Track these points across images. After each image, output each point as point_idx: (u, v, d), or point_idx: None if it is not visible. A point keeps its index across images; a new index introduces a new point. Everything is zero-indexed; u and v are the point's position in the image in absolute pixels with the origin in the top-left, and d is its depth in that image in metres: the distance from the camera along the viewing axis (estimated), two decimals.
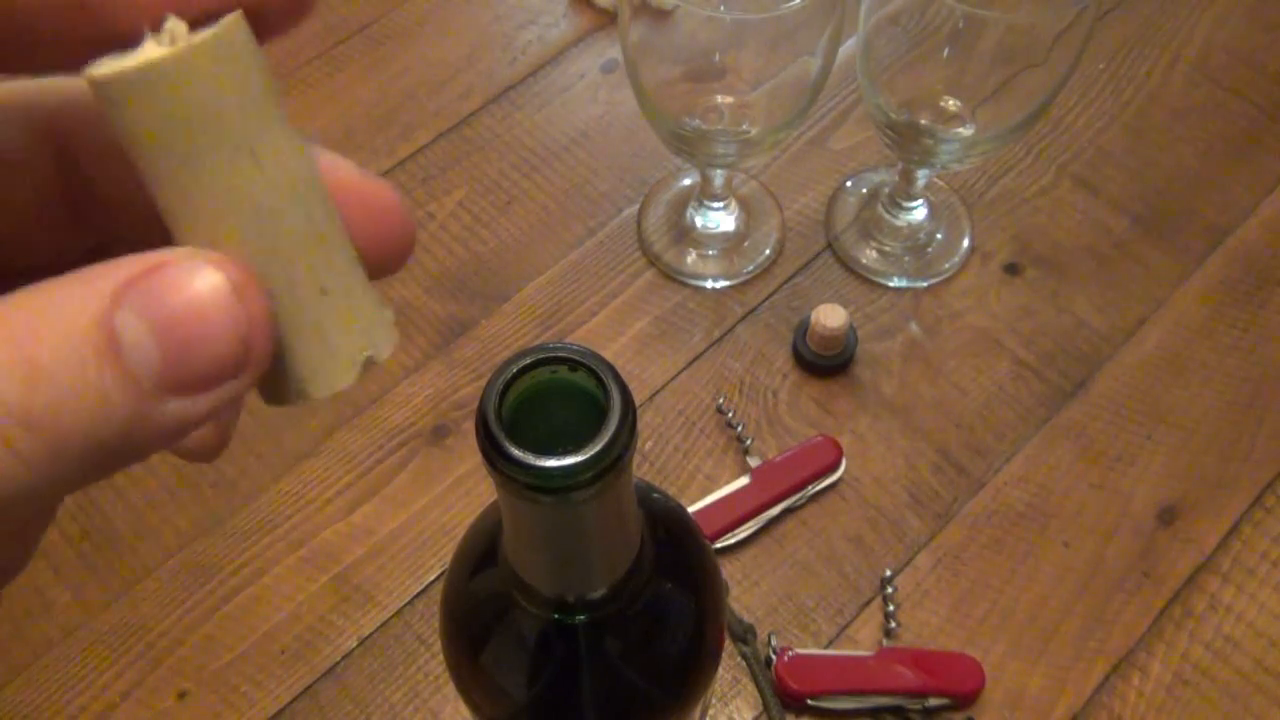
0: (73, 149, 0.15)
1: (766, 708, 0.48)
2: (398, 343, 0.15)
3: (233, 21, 0.13)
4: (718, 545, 0.51)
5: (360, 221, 0.15)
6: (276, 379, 0.15)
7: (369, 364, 0.15)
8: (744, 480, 0.52)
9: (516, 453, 0.20)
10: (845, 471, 0.53)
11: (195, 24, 0.13)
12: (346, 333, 0.15)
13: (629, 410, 0.20)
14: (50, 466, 0.12)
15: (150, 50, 0.13)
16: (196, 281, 0.13)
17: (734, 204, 0.62)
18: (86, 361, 0.12)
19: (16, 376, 0.12)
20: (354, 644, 0.50)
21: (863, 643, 0.50)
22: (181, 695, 0.48)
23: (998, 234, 0.62)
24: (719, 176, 0.59)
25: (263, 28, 0.14)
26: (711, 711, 0.48)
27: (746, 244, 0.61)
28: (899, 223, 0.61)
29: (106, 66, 0.13)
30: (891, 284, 0.60)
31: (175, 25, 0.13)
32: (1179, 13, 0.70)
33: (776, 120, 0.52)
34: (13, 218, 0.16)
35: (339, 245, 0.15)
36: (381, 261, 0.16)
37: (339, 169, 0.16)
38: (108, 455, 0.13)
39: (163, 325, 0.12)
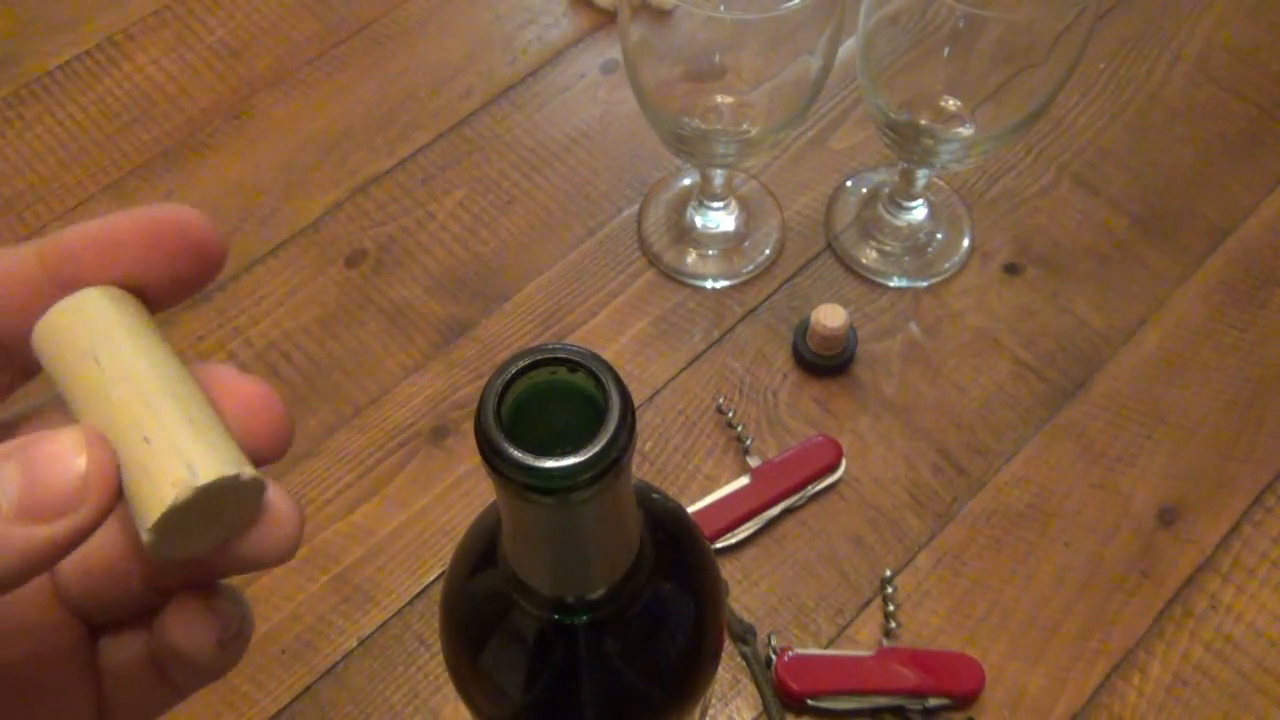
0: None
1: (766, 708, 0.48)
2: (227, 460, 0.19)
3: (85, 292, 0.20)
4: (718, 545, 0.51)
5: (238, 413, 0.20)
6: (136, 521, 0.18)
7: (197, 491, 0.18)
8: (744, 480, 0.52)
9: (516, 454, 0.20)
10: (845, 471, 0.54)
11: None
12: (166, 466, 0.18)
13: (628, 411, 0.20)
14: None
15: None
16: (60, 439, 0.17)
17: (734, 204, 0.62)
18: None
19: None
20: (354, 644, 0.50)
21: (863, 643, 0.50)
22: None
23: (998, 234, 0.62)
24: (719, 176, 0.59)
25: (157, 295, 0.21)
26: (711, 711, 0.48)
27: (746, 244, 0.61)
28: (899, 223, 0.61)
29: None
30: (891, 284, 0.60)
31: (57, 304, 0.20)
32: (1179, 13, 0.70)
33: (776, 120, 0.52)
34: None
35: (169, 405, 0.19)
36: (260, 444, 0.21)
37: (217, 372, 0.21)
38: None
39: (25, 468, 0.17)
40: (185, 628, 0.21)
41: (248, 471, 0.19)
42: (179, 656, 0.21)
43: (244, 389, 0.21)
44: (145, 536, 0.18)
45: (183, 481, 0.18)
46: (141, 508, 0.18)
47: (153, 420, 0.18)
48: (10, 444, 0.17)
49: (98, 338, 0.19)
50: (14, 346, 0.20)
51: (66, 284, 0.20)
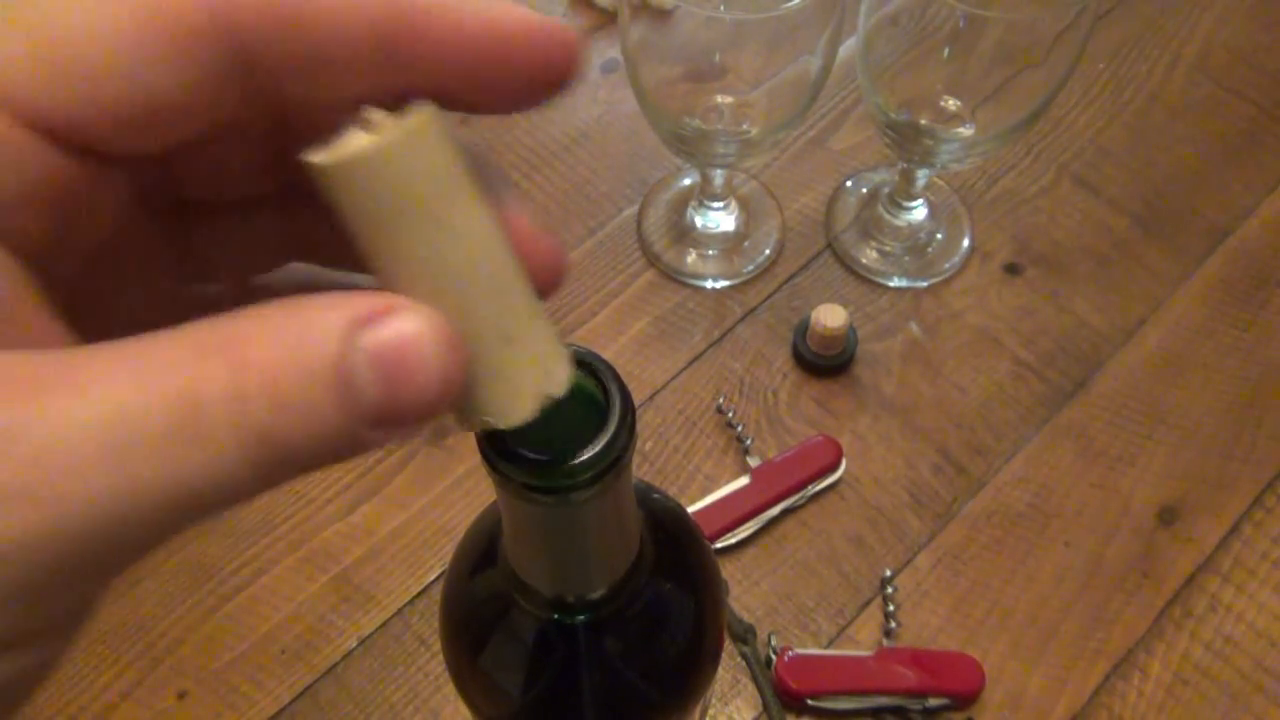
0: (263, 64, 0.16)
1: (766, 708, 0.48)
2: (573, 375, 0.18)
3: (424, 114, 0.15)
4: (718, 545, 0.51)
5: (532, 272, 0.17)
6: (464, 410, 0.17)
7: (546, 398, 0.17)
8: (744, 480, 0.52)
9: (516, 453, 0.20)
10: (845, 471, 0.53)
11: (394, 107, 0.15)
12: (526, 373, 0.17)
13: (628, 411, 0.20)
14: (269, 476, 0.14)
15: (355, 140, 0.15)
16: (417, 332, 0.15)
17: (734, 204, 0.62)
18: (321, 398, 0.14)
19: (264, 403, 0.14)
20: (354, 644, 0.50)
21: (863, 643, 0.50)
22: (181, 695, 0.48)
23: (998, 234, 0.62)
24: (719, 176, 0.59)
25: (471, 106, 0.17)
26: (711, 711, 0.48)
27: (746, 244, 0.61)
28: (899, 223, 0.61)
29: (320, 154, 0.15)
30: (891, 284, 0.60)
31: (373, 114, 0.15)
32: (1179, 12, 0.70)
33: (776, 120, 0.52)
34: (214, 152, 0.18)
35: (521, 296, 0.17)
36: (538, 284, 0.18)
37: (518, 219, 0.18)
38: (310, 468, 0.15)
39: (386, 369, 0.15)
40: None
41: (570, 370, 0.18)
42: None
43: (542, 246, 0.18)
44: (476, 429, 0.17)
45: (544, 395, 0.17)
46: (484, 404, 0.17)
47: (511, 315, 0.17)
48: (350, 311, 0.14)
49: (440, 190, 0.16)
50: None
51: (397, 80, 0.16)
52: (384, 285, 0.16)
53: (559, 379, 0.17)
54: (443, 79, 0.16)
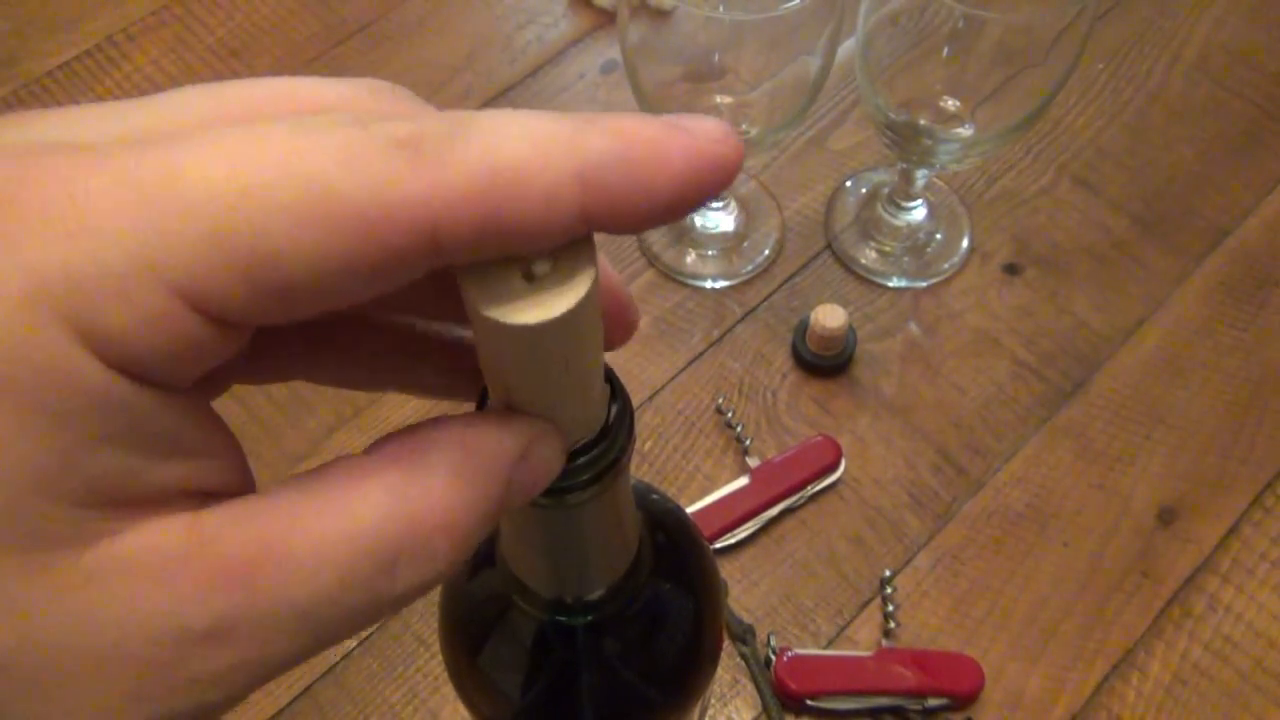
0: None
1: (766, 708, 0.48)
2: (601, 418, 0.20)
3: (590, 274, 0.16)
4: (717, 545, 0.51)
5: (609, 326, 0.19)
6: None
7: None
8: (743, 480, 0.52)
9: None
10: (844, 472, 0.53)
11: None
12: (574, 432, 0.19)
13: (626, 412, 0.20)
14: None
15: (523, 299, 0.15)
16: (550, 464, 0.18)
17: (733, 204, 0.62)
18: (482, 522, 0.17)
19: (454, 534, 0.16)
20: (353, 644, 0.50)
21: (862, 643, 0.50)
22: None
23: (997, 234, 0.62)
24: None
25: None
26: (711, 711, 0.48)
27: (746, 244, 0.61)
28: (898, 223, 0.61)
29: (491, 307, 0.15)
30: (891, 284, 0.60)
31: (539, 267, 0.16)
32: (1179, 13, 0.70)
33: (776, 120, 0.52)
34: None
35: (599, 380, 0.19)
36: (610, 345, 0.20)
37: (608, 279, 0.19)
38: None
39: (525, 494, 0.18)
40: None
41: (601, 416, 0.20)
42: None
43: (625, 310, 0.20)
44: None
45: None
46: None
47: (589, 404, 0.19)
48: (497, 468, 0.17)
49: (577, 342, 0.17)
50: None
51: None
52: (496, 389, 0.18)
53: (595, 425, 0.19)
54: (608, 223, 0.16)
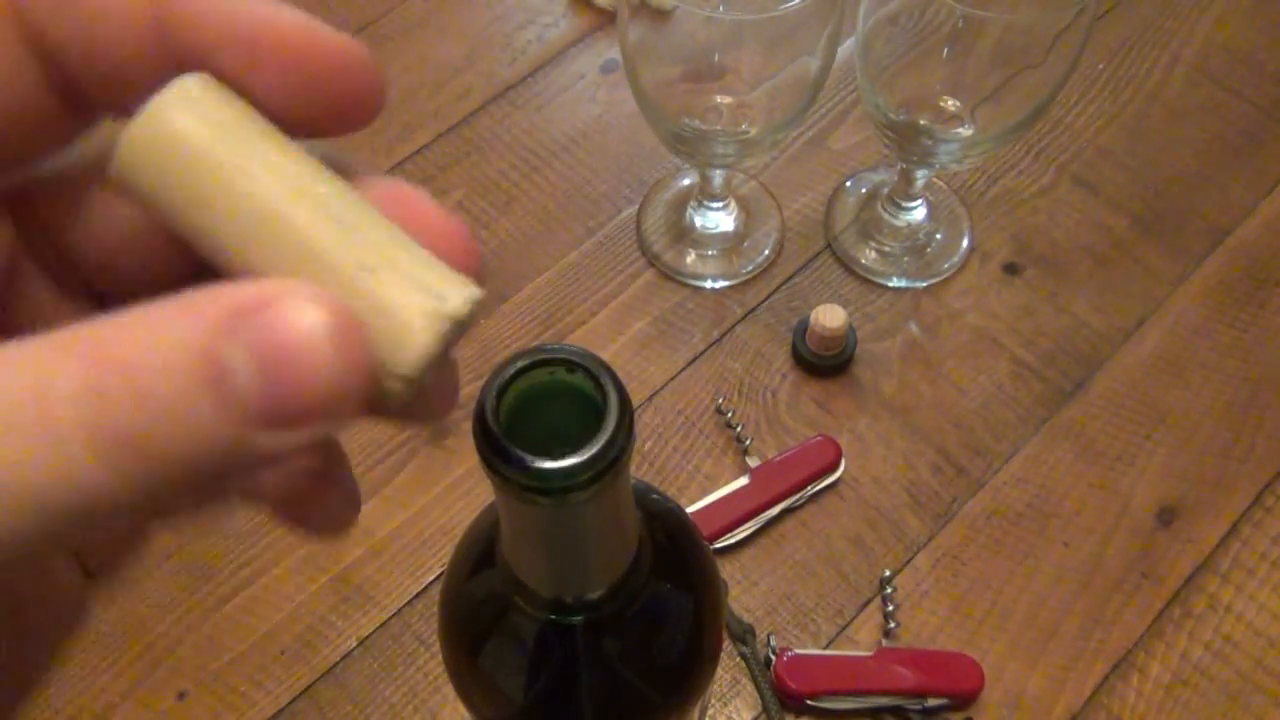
0: (47, 41, 0.16)
1: (766, 708, 0.48)
2: (475, 292, 0.15)
3: (184, 80, 0.15)
4: (717, 545, 0.51)
5: (429, 246, 0.16)
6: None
7: (451, 322, 0.15)
8: (743, 480, 0.52)
9: (514, 454, 0.20)
10: (844, 472, 0.54)
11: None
12: (406, 300, 0.15)
13: (626, 411, 0.20)
14: (145, 485, 0.13)
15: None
16: (301, 320, 0.13)
17: (733, 204, 0.62)
18: (190, 390, 0.13)
19: (125, 402, 0.12)
20: (353, 644, 0.50)
21: (862, 643, 0.50)
22: (181, 695, 0.49)
23: (997, 234, 0.62)
24: (718, 176, 0.59)
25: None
26: (711, 711, 0.48)
27: (746, 244, 0.61)
28: (898, 223, 0.61)
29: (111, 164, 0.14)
30: (891, 284, 0.60)
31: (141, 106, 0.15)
32: (1179, 13, 0.70)
33: (776, 120, 0.52)
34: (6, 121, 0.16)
35: (372, 225, 0.15)
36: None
37: (394, 190, 0.17)
38: (200, 480, 0.13)
39: (268, 361, 0.13)
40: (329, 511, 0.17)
41: (477, 294, 0.15)
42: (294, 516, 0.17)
43: (434, 220, 0.16)
44: (395, 393, 0.15)
45: (440, 318, 0.15)
46: (380, 355, 0.15)
47: (365, 246, 0.15)
48: (224, 303, 0.13)
49: (240, 141, 0.15)
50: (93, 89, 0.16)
51: (179, 65, 0.15)
52: (229, 268, 0.15)
53: (453, 298, 0.15)
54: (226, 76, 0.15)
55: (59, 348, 0.13)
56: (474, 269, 0.16)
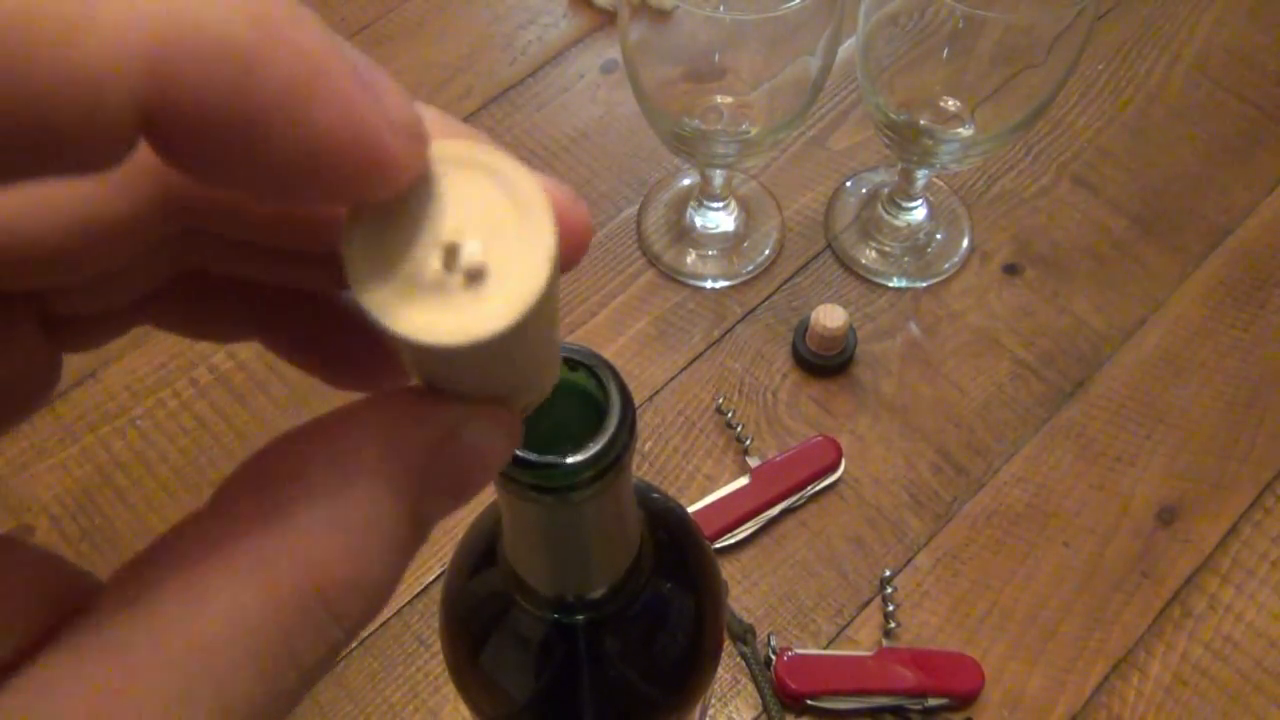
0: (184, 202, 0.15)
1: (766, 708, 0.48)
2: (558, 377, 0.17)
3: (548, 249, 0.12)
4: (717, 545, 0.51)
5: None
6: None
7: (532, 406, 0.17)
8: (743, 480, 0.52)
9: (515, 452, 0.20)
10: (845, 472, 0.54)
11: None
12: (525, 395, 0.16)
13: (628, 410, 0.20)
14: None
15: (443, 311, 0.11)
16: (487, 449, 0.15)
17: (734, 204, 0.62)
18: (398, 555, 0.15)
19: (359, 588, 0.14)
20: (354, 644, 0.50)
21: (862, 643, 0.50)
22: None
23: (997, 234, 0.62)
24: (719, 176, 0.59)
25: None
26: (711, 711, 0.48)
27: (746, 244, 0.61)
28: (899, 223, 0.61)
29: (400, 316, 0.11)
30: (891, 284, 0.60)
31: (468, 246, 0.11)
32: (1179, 13, 0.70)
33: (776, 120, 0.52)
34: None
35: (554, 348, 0.17)
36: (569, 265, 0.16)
37: (552, 192, 0.15)
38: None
39: (460, 492, 0.15)
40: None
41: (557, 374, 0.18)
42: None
43: (571, 217, 0.15)
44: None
45: (532, 405, 0.17)
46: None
47: (544, 373, 0.17)
48: (410, 453, 0.14)
49: (523, 343, 0.14)
50: None
51: None
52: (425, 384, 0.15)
53: (548, 384, 0.17)
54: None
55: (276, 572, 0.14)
56: (585, 246, 0.16)
